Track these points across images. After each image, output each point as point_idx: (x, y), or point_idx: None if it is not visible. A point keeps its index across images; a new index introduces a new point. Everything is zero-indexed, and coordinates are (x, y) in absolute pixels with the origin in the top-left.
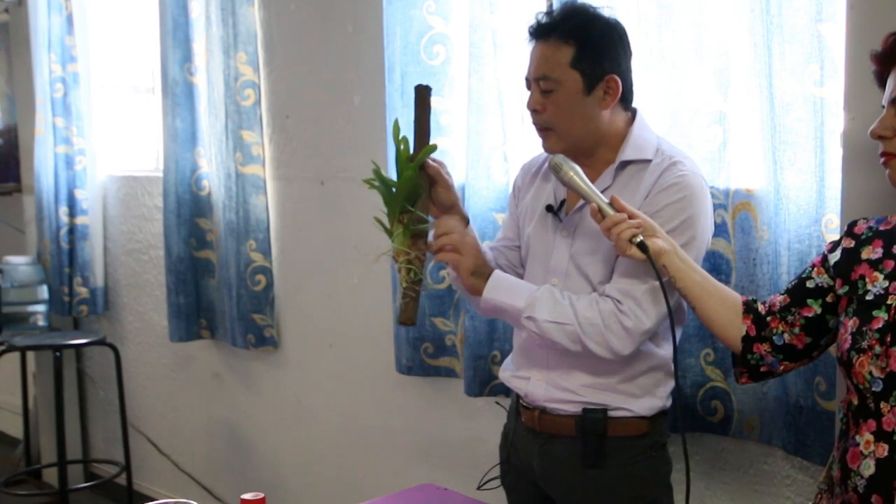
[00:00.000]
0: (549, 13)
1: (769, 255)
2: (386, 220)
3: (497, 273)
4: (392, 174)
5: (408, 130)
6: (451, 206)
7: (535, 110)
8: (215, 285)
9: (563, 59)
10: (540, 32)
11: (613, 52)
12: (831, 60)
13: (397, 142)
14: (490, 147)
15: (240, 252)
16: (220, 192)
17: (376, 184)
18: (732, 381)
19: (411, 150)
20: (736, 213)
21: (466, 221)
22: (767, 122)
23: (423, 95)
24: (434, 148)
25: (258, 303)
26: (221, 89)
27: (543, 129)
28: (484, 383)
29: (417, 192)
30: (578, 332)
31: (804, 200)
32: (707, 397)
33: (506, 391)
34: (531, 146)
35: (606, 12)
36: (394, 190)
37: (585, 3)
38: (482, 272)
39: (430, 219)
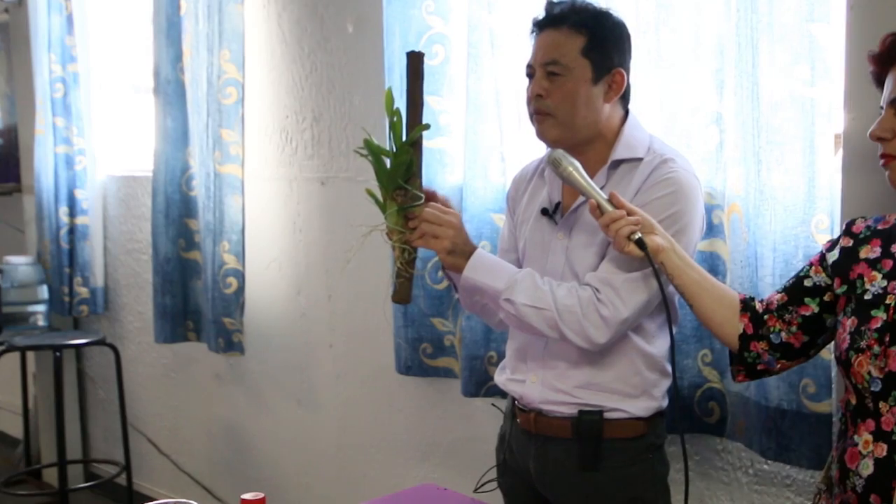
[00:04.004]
0: (557, 4)
1: (749, 257)
2: (378, 194)
3: (479, 252)
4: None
5: (401, 102)
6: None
7: (539, 95)
8: (201, 287)
9: (575, 47)
10: (551, 21)
11: (621, 46)
12: (822, 60)
13: (390, 113)
14: (488, 147)
15: (215, 253)
16: (202, 192)
17: (366, 155)
18: (728, 382)
19: (404, 123)
20: (730, 213)
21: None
22: (753, 122)
23: (414, 63)
24: (426, 126)
25: (228, 306)
26: (204, 87)
27: (544, 114)
28: (480, 384)
29: (411, 170)
30: (556, 319)
31: (791, 201)
32: (704, 398)
33: (502, 392)
34: (528, 146)
35: (613, 12)
36: (388, 164)
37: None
38: (462, 250)
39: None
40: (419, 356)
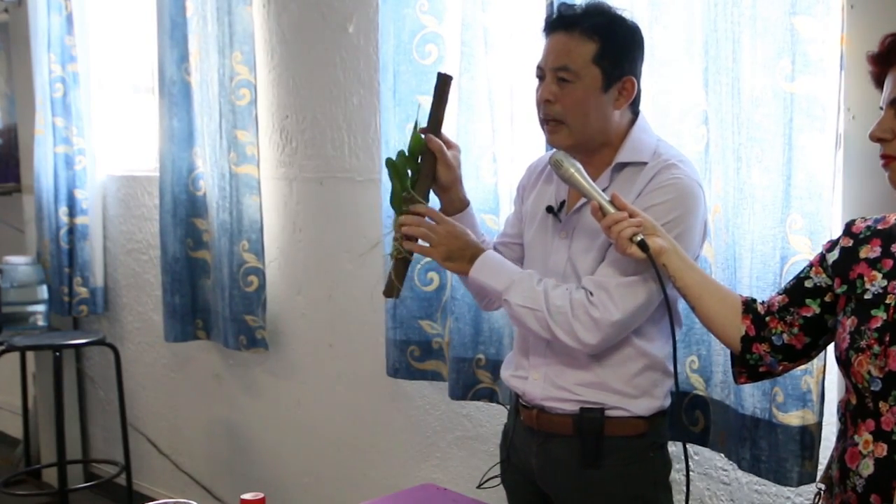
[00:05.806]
0: (570, 6)
1: (728, 258)
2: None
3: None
4: (385, 181)
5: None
6: (450, 184)
7: (548, 101)
8: (211, 286)
9: (586, 54)
10: (563, 23)
11: (633, 54)
12: (803, 54)
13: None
14: (480, 147)
15: (233, 252)
16: (214, 192)
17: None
18: (712, 390)
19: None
20: (714, 214)
21: (466, 204)
22: (733, 119)
23: (440, 84)
24: (420, 139)
25: (250, 304)
26: (216, 89)
27: (554, 121)
28: (468, 387)
29: (405, 179)
30: (547, 319)
31: (770, 200)
32: (691, 406)
33: (489, 395)
34: (521, 147)
35: (626, 15)
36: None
37: (607, 3)
38: (461, 255)
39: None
40: (406, 359)
